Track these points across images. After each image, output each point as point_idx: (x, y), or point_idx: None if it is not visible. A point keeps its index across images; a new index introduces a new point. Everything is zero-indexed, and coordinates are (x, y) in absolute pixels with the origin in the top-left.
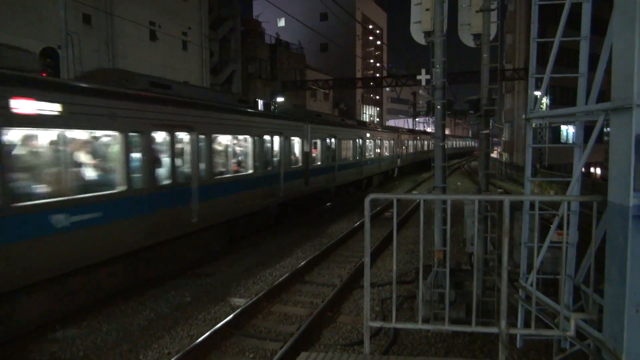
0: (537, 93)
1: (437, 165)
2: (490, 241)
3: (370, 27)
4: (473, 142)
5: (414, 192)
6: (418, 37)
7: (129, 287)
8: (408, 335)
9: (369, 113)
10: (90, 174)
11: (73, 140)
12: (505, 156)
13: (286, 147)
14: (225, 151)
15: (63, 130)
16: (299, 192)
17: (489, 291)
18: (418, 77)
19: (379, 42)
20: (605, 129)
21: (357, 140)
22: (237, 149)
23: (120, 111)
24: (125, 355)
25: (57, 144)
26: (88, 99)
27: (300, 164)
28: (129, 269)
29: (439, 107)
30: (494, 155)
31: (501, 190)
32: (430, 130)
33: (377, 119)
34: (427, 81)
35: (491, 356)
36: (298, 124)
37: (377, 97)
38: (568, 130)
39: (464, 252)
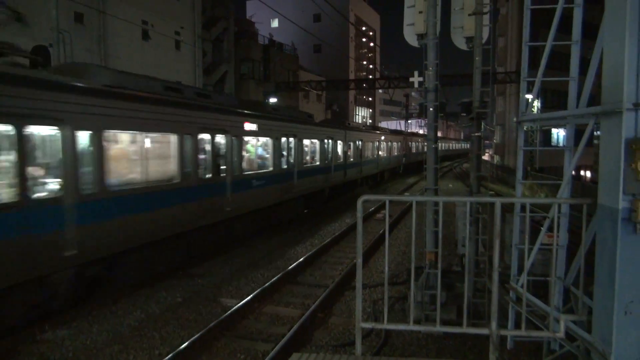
0: (529, 96)
1: (430, 167)
2: (481, 243)
3: (364, 28)
4: (466, 145)
5: (406, 193)
6: (411, 39)
7: (181, 260)
8: (399, 337)
9: (361, 114)
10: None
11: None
12: (496, 158)
13: (335, 148)
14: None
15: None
16: (340, 180)
17: (480, 293)
18: (411, 79)
19: (372, 44)
20: (595, 133)
21: (376, 143)
22: (308, 148)
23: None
24: (115, 356)
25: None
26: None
27: (341, 160)
28: (181, 246)
29: (431, 109)
30: (486, 157)
31: (492, 192)
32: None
33: (370, 121)
34: (420, 83)
35: (482, 357)
36: (340, 130)
37: (370, 99)
38: (559, 134)
39: (455, 253)
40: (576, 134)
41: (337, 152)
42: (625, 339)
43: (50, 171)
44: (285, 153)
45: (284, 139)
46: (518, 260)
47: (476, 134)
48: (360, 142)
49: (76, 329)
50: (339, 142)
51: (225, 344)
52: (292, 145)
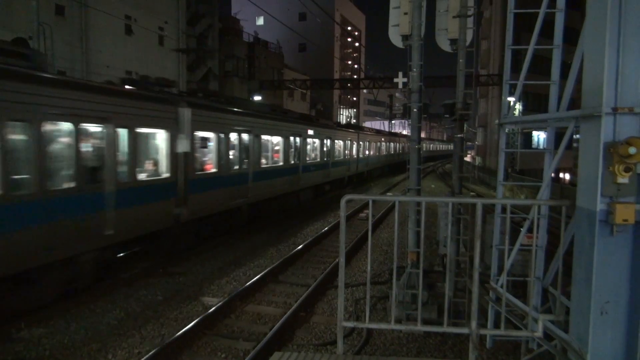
0: (511, 99)
1: (413, 168)
2: (462, 243)
3: (349, 28)
4: (448, 146)
5: (388, 193)
6: (396, 40)
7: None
8: (380, 336)
9: (345, 114)
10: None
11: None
12: (478, 160)
13: (332, 147)
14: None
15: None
16: (355, 171)
17: (460, 292)
18: (395, 80)
19: (357, 44)
20: (575, 136)
21: (379, 143)
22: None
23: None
24: (93, 355)
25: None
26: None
27: (355, 157)
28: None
29: (415, 110)
30: (467, 158)
31: (474, 193)
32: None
33: (354, 121)
34: (404, 84)
35: (461, 356)
36: (355, 132)
37: (355, 99)
38: (539, 136)
39: (437, 253)
40: (556, 137)
41: (334, 150)
42: (601, 338)
43: (99, 164)
44: (292, 150)
45: (291, 138)
46: (498, 261)
47: (459, 136)
48: (372, 144)
49: (53, 327)
50: (354, 142)
51: (206, 342)
52: (298, 143)
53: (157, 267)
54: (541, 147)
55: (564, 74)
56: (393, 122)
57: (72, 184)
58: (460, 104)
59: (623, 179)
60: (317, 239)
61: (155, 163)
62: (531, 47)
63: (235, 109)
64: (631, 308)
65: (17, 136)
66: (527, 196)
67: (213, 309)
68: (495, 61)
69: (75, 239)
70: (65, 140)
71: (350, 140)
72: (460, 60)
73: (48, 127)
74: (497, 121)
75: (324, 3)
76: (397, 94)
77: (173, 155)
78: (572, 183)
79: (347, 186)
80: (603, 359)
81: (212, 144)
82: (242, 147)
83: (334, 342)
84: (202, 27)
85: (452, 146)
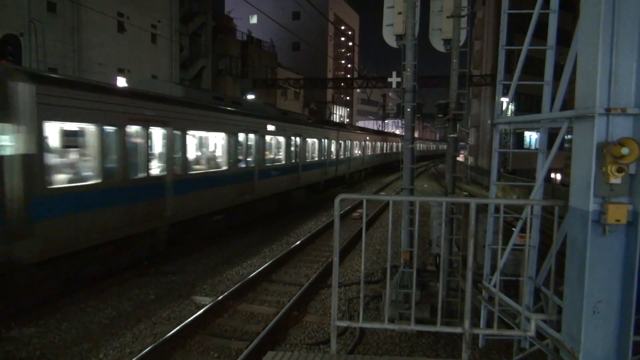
0: (504, 99)
1: (406, 167)
2: (455, 243)
3: (343, 28)
4: (442, 146)
5: (382, 193)
6: (390, 39)
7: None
8: (374, 335)
9: (339, 114)
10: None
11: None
12: (470, 160)
13: (329, 146)
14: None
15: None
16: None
17: (453, 292)
18: (389, 80)
19: (350, 43)
20: (567, 136)
21: (385, 143)
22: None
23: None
24: (84, 355)
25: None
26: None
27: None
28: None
29: (408, 109)
30: (460, 158)
31: (466, 193)
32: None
33: (347, 120)
34: (398, 84)
35: (454, 355)
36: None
37: (348, 98)
38: (531, 137)
39: (430, 253)
40: (549, 138)
41: (331, 150)
42: (593, 337)
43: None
44: (293, 150)
45: (292, 138)
46: (491, 260)
47: (452, 135)
48: (381, 144)
49: (44, 326)
50: (332, 141)
51: (198, 342)
52: (298, 143)
53: (149, 266)
54: (533, 147)
55: (558, 75)
56: (386, 121)
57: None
58: (453, 104)
59: (616, 179)
60: (311, 238)
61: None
62: (525, 48)
63: (291, 118)
64: (623, 307)
65: (111, 138)
66: (519, 196)
67: (205, 308)
68: (488, 61)
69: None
70: (140, 140)
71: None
72: (454, 60)
73: (129, 129)
74: (489, 121)
75: (318, 2)
76: (390, 94)
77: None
78: (564, 183)
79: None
80: (595, 358)
81: (282, 145)
82: (295, 145)
83: (327, 342)
84: (195, 25)
85: (445, 146)
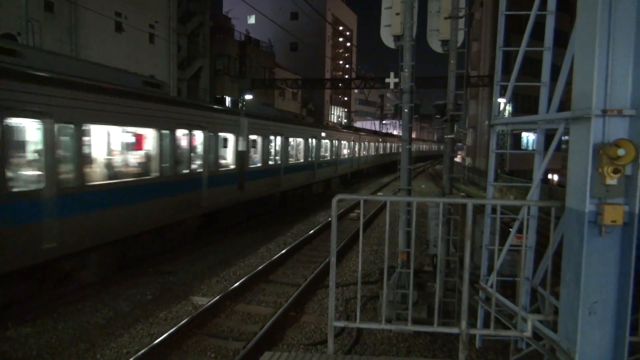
0: (502, 100)
1: (403, 168)
2: (452, 243)
3: (341, 28)
4: (439, 146)
5: (379, 193)
6: (388, 40)
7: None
8: (371, 335)
9: (337, 114)
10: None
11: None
12: (468, 160)
13: (340, 147)
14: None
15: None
16: (379, 162)
17: (450, 292)
18: (387, 80)
19: (348, 44)
20: (564, 137)
21: (392, 144)
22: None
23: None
24: (81, 355)
25: None
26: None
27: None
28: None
29: (406, 110)
30: (457, 159)
31: (464, 194)
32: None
33: (345, 120)
34: (395, 84)
35: (451, 356)
36: (383, 137)
37: (346, 99)
38: (528, 137)
39: (427, 253)
40: (546, 138)
41: (343, 151)
42: (589, 338)
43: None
44: (310, 150)
45: (309, 140)
46: (487, 261)
47: (449, 136)
48: (368, 143)
49: (41, 326)
50: (344, 142)
51: (195, 342)
52: (314, 144)
53: (147, 266)
54: (530, 148)
55: (554, 76)
56: (384, 122)
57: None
58: (451, 105)
59: (612, 180)
60: (308, 238)
61: (225, 158)
62: (522, 49)
63: (308, 123)
64: (619, 308)
65: (165, 140)
66: (516, 197)
67: (203, 308)
68: (486, 62)
69: (185, 208)
70: (184, 140)
71: (357, 142)
72: (452, 61)
73: (177, 133)
74: (487, 122)
75: (316, 3)
76: (388, 94)
77: (238, 152)
78: (561, 184)
79: (351, 180)
80: (591, 358)
81: (301, 146)
82: (312, 146)
83: (324, 342)
84: (193, 25)
85: (442, 146)
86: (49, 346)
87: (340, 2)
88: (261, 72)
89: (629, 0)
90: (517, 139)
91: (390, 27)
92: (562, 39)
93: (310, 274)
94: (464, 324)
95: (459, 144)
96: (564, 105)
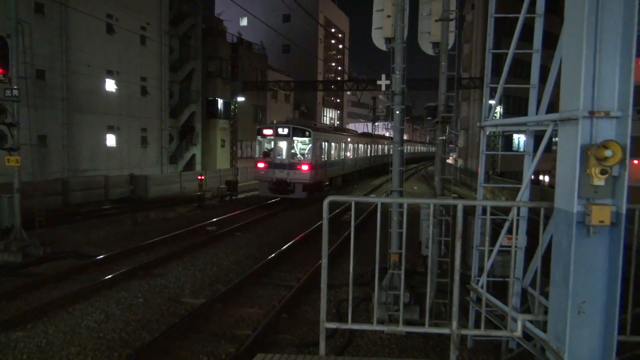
0: (492, 102)
1: (395, 169)
2: (445, 244)
3: (333, 30)
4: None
5: (371, 195)
6: (379, 42)
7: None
8: (363, 336)
9: (329, 116)
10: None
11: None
12: (460, 162)
13: (384, 148)
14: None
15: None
16: (386, 161)
17: (442, 293)
18: (378, 82)
19: (340, 46)
20: (554, 139)
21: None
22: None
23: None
24: (72, 359)
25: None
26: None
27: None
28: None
29: (397, 112)
30: (449, 161)
31: (455, 195)
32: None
33: (338, 122)
34: (387, 86)
35: (443, 356)
36: (387, 139)
37: (338, 101)
38: (519, 139)
39: (419, 255)
40: (536, 140)
41: (366, 152)
42: (578, 337)
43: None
44: (354, 150)
45: (357, 145)
46: (478, 262)
47: (441, 138)
48: (379, 145)
49: (31, 330)
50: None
51: (187, 345)
52: (354, 147)
53: (138, 269)
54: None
55: (544, 78)
56: (377, 124)
57: (338, 158)
58: (442, 107)
59: (599, 181)
60: (300, 240)
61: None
62: (511, 51)
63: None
64: (607, 307)
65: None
66: (508, 198)
67: (194, 310)
68: (477, 65)
69: (336, 171)
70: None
71: (377, 145)
72: (443, 63)
73: (329, 142)
74: (478, 124)
75: (308, 5)
76: (380, 96)
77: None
78: (552, 185)
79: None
80: (580, 357)
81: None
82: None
83: (316, 344)
84: (185, 27)
85: (434, 148)
86: (39, 350)
87: (332, 5)
88: (253, 74)
89: (615, 2)
90: (509, 140)
91: (382, 29)
92: (553, 41)
93: (303, 276)
94: (454, 324)
95: (452, 146)
96: (554, 106)
